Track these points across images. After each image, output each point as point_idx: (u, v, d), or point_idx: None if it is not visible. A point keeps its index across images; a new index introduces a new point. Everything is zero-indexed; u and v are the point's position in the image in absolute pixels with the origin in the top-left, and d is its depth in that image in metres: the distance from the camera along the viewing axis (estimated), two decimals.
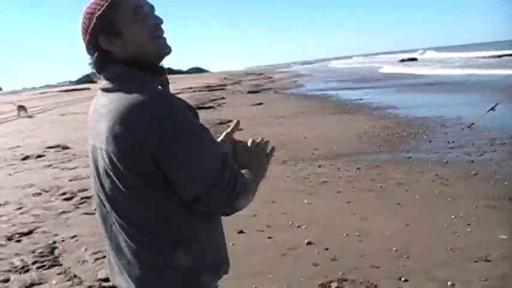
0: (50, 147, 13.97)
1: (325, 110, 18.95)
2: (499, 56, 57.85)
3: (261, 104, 23.81)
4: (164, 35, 1.82)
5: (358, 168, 8.91)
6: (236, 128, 2.14)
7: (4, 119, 27.43)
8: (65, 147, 13.85)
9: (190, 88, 46.62)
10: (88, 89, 76.38)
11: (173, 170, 1.64)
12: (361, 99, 22.18)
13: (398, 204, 6.76)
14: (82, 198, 7.96)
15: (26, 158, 12.68)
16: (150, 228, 1.72)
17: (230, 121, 17.18)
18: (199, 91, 40.94)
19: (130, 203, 1.70)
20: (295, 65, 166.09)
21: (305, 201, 7.14)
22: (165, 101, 1.64)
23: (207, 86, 48.40)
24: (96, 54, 1.80)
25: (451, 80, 29.50)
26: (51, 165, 11.29)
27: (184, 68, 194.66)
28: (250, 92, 34.12)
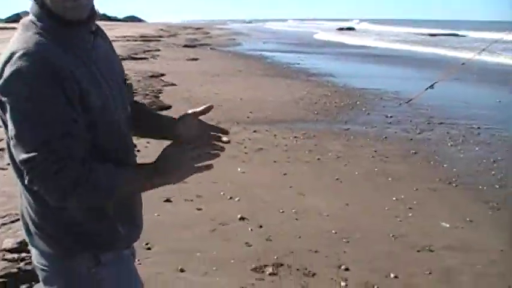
0: None
1: (262, 72, 18.41)
2: (434, 35, 59.14)
3: (197, 59, 22.97)
4: None
5: (295, 137, 8.49)
6: (207, 111, 1.90)
7: None
8: None
9: (125, 37, 44.85)
10: (14, 28, 72.22)
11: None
12: (298, 63, 21.79)
13: (337, 179, 6.40)
14: None
15: None
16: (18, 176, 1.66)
17: (163, 74, 16.42)
18: (134, 41, 39.31)
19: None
20: (233, 23, 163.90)
21: (238, 169, 6.64)
22: (27, 59, 1.49)
23: (142, 36, 46.64)
24: None
25: (389, 53, 29.53)
26: None
27: (120, 16, 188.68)
28: (186, 46, 33.09)
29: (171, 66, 19.43)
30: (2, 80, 1.48)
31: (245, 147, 7.64)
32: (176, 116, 1.93)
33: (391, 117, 10.58)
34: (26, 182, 1.50)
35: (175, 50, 30.19)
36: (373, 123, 9.91)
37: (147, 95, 12.16)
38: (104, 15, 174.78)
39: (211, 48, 31.60)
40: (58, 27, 1.59)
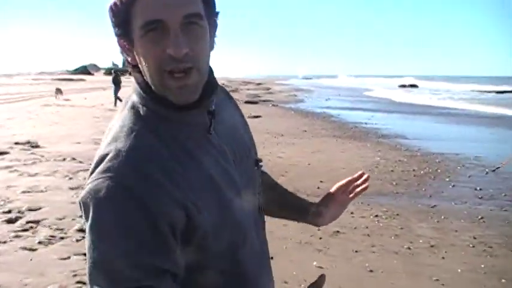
0: (18, 143, 12.25)
1: (329, 132, 17.39)
2: (501, 92, 57.10)
3: (259, 116, 22.19)
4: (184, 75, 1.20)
5: (376, 216, 7.28)
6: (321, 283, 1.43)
7: None
8: (35, 145, 12.15)
9: None
10: (83, 80, 74.83)
11: None
12: (365, 123, 20.66)
13: (437, 281, 5.12)
14: (28, 223, 6.25)
15: None
16: None
17: None
18: None
19: None
20: (292, 79, 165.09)
21: (314, 263, 5.46)
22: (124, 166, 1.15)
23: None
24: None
25: (459, 113, 28.03)
26: (10, 166, 9.57)
27: None
28: (248, 102, 32.52)
29: None
30: (84, 195, 1.16)
31: (319, 230, 6.47)
32: None
33: (480, 189, 9.24)
34: None
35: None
36: (462, 198, 8.59)
37: None
38: None
39: (273, 105, 30.90)
40: (166, 114, 1.26)
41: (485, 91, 61.26)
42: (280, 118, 21.98)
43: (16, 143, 12.23)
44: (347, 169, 10.55)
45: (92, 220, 1.12)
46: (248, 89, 57.86)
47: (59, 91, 29.83)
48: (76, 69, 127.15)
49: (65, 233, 5.79)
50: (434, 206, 8.02)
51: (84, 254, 5.18)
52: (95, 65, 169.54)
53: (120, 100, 25.77)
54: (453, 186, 9.53)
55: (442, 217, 7.34)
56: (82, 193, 1.16)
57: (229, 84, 72.07)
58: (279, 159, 11.62)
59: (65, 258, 5.07)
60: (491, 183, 9.75)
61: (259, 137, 15.18)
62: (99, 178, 1.14)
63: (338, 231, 6.46)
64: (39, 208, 6.81)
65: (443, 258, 5.72)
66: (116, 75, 27.42)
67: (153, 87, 1.24)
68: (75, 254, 5.14)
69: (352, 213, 7.34)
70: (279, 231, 6.03)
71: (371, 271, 5.23)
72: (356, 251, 5.79)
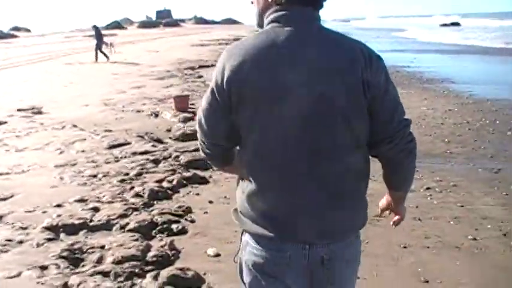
0: (20, 110, 11.04)
1: None
2: None
3: None
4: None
5: (427, 188, 5.76)
6: None
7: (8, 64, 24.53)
8: (37, 112, 10.93)
9: (217, 40, 43.39)
10: (115, 35, 73.40)
11: None
12: (408, 66, 18.82)
13: None
14: None
15: None
16: None
17: None
18: (226, 44, 37.63)
19: None
20: (329, 22, 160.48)
21: None
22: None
23: (236, 39, 45.00)
24: None
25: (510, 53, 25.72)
26: (0, 140, 8.35)
27: (218, 19, 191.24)
28: None
29: None
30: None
31: None
32: None
33: None
34: (404, 143, 1.83)
35: None
36: None
37: None
38: (201, 18, 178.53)
39: None
40: None
41: None
42: None
43: (18, 110, 11.03)
44: None
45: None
46: None
47: (110, 45, 27.33)
48: (109, 25, 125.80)
49: (27, 234, 4.52)
50: (499, 170, 6.47)
51: (41, 268, 3.95)
52: (128, 19, 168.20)
53: (105, 56, 24.51)
54: None
55: (511, 187, 5.80)
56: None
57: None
58: None
59: (12, 277, 3.80)
60: None
61: None
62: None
63: (378, 216, 5.01)
64: (11, 196, 5.56)
65: None
66: (97, 29, 25.78)
67: None
68: (28, 269, 3.87)
69: None
70: None
71: (426, 281, 3.77)
72: (404, 247, 4.32)
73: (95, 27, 26.35)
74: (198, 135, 1.97)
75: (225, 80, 1.73)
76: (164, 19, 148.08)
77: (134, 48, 35.89)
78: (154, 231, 4.69)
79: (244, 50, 1.74)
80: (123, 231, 4.67)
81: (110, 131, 8.77)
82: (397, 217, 2.10)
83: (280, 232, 1.80)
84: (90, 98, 12.57)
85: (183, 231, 4.70)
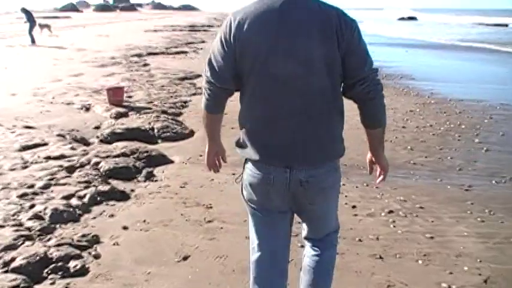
0: None
1: None
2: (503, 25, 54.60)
3: None
4: None
5: (390, 212, 4.81)
6: None
7: None
8: None
9: (172, 26, 41.99)
10: (69, 17, 70.80)
11: None
12: None
13: None
14: None
15: None
16: None
17: (198, 76, 13.07)
18: (180, 31, 36.31)
19: None
20: None
21: None
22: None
23: (191, 26, 43.73)
24: None
25: (466, 48, 25.33)
26: None
27: (175, 5, 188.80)
28: None
29: None
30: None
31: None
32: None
33: None
34: (374, 85, 2.32)
35: None
36: (502, 173, 6.21)
37: (164, 112, 8.73)
38: (160, 3, 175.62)
39: None
40: None
41: (493, 24, 58.35)
42: None
43: None
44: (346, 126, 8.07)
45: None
46: None
47: (45, 26, 27.59)
48: (63, 7, 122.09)
49: None
50: (470, 187, 5.62)
51: None
52: (85, 2, 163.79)
53: (32, 39, 23.47)
54: (486, 150, 7.12)
55: (486, 211, 4.94)
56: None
57: (221, 18, 68.86)
58: None
59: None
60: None
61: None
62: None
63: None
64: None
65: None
66: (26, 12, 24.83)
67: None
68: None
69: (354, 207, 4.93)
70: None
71: None
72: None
73: (24, 10, 25.23)
74: (206, 75, 2.37)
75: (232, 35, 2.22)
76: (122, 3, 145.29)
77: (84, 32, 34.23)
78: (46, 271, 3.63)
79: (246, 13, 2.23)
80: (6, 271, 3.59)
81: (30, 127, 7.58)
82: (380, 174, 2.60)
83: (267, 157, 2.33)
84: (20, 86, 11.27)
85: (82, 272, 3.64)
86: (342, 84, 2.33)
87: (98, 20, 59.89)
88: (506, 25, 57.00)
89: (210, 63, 2.32)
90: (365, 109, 2.38)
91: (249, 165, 2.41)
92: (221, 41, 2.26)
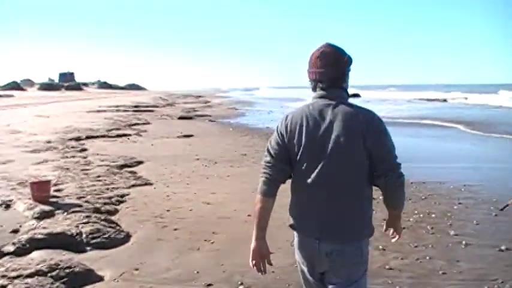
0: None
1: None
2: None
3: (191, 136, 18.66)
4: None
5: None
6: None
7: None
8: None
9: (117, 106, 41.03)
10: (12, 96, 69.05)
11: None
12: None
13: None
14: None
15: None
16: None
17: (140, 163, 12.06)
18: (124, 111, 35.35)
19: None
20: (234, 91, 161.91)
21: None
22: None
23: (136, 106, 42.90)
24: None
25: (411, 124, 25.28)
26: None
27: (122, 84, 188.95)
28: (181, 118, 28.98)
29: (155, 149, 15.11)
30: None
31: None
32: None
33: (507, 249, 6.08)
34: (395, 178, 2.65)
35: (168, 123, 26.05)
36: (490, 274, 5.33)
37: (96, 210, 7.54)
38: (105, 83, 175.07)
39: (209, 121, 27.38)
40: None
41: (433, 99, 60.31)
42: (216, 138, 18.37)
43: None
44: None
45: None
46: (186, 103, 54.21)
47: None
48: (6, 85, 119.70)
49: None
50: None
51: None
52: (29, 80, 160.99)
53: None
54: (465, 245, 6.28)
55: None
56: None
57: (167, 98, 68.58)
58: (206, 206, 8.14)
59: None
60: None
61: (186, 166, 11.73)
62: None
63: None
64: None
65: None
66: None
67: None
68: None
69: None
70: None
71: None
72: None
73: None
74: (265, 160, 2.87)
75: (282, 130, 2.81)
76: (67, 82, 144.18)
77: (24, 112, 32.79)
78: None
79: (293, 113, 2.82)
80: None
81: None
82: (394, 233, 3.02)
83: (303, 230, 2.82)
84: None
85: None
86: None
87: (41, 99, 58.47)
88: (445, 100, 58.81)
89: (268, 149, 2.86)
90: (387, 195, 2.76)
91: (295, 232, 2.91)
92: (277, 131, 2.83)
